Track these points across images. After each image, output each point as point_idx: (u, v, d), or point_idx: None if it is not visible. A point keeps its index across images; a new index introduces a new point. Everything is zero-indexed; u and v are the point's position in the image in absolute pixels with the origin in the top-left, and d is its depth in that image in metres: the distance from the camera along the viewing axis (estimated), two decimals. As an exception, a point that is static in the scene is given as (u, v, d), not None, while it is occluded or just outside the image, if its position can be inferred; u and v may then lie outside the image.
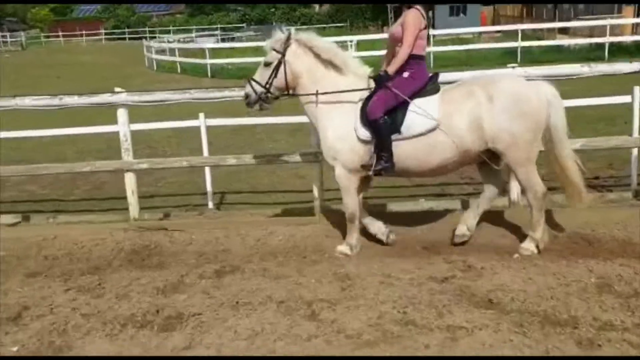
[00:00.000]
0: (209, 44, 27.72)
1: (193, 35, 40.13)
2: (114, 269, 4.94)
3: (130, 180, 5.98)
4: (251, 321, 3.83)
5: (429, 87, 4.71)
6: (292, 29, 4.84)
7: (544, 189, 4.73)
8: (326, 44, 4.84)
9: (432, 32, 31.19)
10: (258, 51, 26.35)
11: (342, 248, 5.02)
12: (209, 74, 23.10)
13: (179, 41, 34.07)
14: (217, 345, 3.57)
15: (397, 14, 5.21)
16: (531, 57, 21.38)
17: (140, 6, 72.96)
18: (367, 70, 4.86)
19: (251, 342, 3.58)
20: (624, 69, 5.52)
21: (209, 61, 23.32)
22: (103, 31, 62.52)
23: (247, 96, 4.91)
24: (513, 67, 5.78)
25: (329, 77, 4.78)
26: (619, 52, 21.09)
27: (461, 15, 36.82)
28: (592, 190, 6.06)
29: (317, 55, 4.76)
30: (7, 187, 8.30)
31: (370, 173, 4.75)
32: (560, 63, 6.25)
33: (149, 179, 8.63)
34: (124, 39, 58.34)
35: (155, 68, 27.98)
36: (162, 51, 29.31)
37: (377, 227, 5.13)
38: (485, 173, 4.98)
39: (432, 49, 21.71)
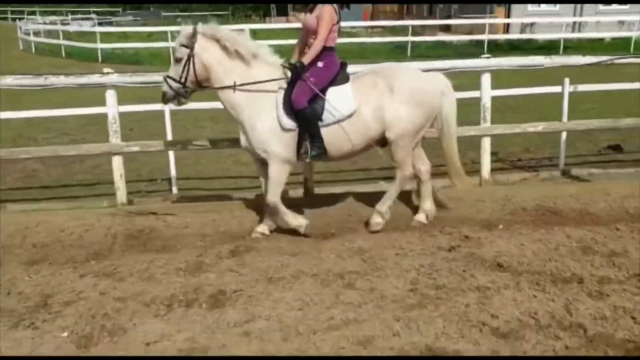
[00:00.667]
0: (88, 27, 26.42)
1: (69, 18, 37.53)
2: (119, 254, 4.84)
3: (118, 163, 5.79)
4: (295, 293, 4.01)
5: (341, 75, 5.02)
6: (199, 23, 4.92)
7: (412, 171, 5.25)
8: (232, 34, 4.95)
9: None
10: (151, 37, 25.77)
11: (263, 228, 5.23)
12: (100, 59, 22.01)
13: (55, 23, 31.90)
14: (276, 317, 3.72)
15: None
16: (419, 52, 22.82)
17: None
18: (278, 59, 5.06)
19: (306, 312, 3.77)
20: (580, 61, 6.31)
21: (100, 45, 22.18)
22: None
23: (164, 94, 5.01)
24: (488, 57, 6.35)
25: (240, 67, 4.90)
26: (496, 49, 23.11)
27: (345, 9, 37.84)
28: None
29: (224, 47, 4.88)
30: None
31: (308, 160, 5.02)
32: (446, 58, 7.09)
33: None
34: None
35: (33, 51, 26.00)
36: (38, 33, 27.36)
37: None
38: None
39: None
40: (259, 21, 45.15)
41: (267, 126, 4.89)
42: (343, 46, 22.92)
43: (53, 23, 31.54)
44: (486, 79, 6.16)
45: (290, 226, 5.14)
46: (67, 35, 26.04)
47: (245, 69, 4.90)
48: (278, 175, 5.01)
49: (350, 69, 5.22)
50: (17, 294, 4.10)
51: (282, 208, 5.11)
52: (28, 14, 46.85)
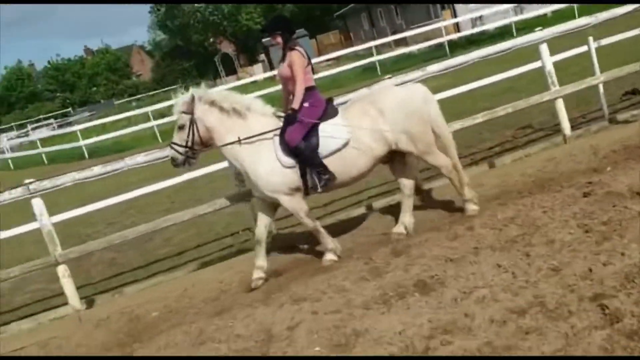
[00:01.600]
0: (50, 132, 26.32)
1: (28, 129, 37.44)
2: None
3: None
4: (490, 263, 4.34)
5: (330, 110, 5.45)
6: (192, 89, 5.39)
7: (449, 161, 5.65)
8: (225, 94, 5.51)
9: (271, 73, 33.41)
10: (120, 123, 25.96)
11: (330, 256, 5.54)
12: (86, 155, 22.09)
13: (19, 136, 31.90)
14: (493, 283, 4.04)
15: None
16: (386, 69, 23.67)
17: None
18: (270, 108, 5.54)
19: (515, 274, 4.10)
20: (619, 12, 6.95)
21: (82, 143, 22.28)
22: None
23: (173, 160, 5.45)
24: (540, 29, 6.95)
25: (238, 123, 5.31)
26: (455, 47, 24.19)
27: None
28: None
29: (221, 108, 5.31)
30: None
31: (320, 190, 5.40)
32: (412, 68, 7.83)
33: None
34: None
35: (12, 168, 25.84)
36: (5, 150, 27.36)
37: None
38: (396, 169, 5.82)
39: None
40: (212, 84, 45.81)
41: (268, 167, 5.30)
42: (318, 81, 23.70)
43: (18, 137, 31.53)
44: (544, 49, 6.71)
45: (326, 248, 5.53)
46: (42, 143, 26.06)
47: (244, 123, 5.31)
48: (294, 206, 5.44)
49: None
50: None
51: (322, 231, 5.54)
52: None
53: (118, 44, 70.90)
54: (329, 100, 5.58)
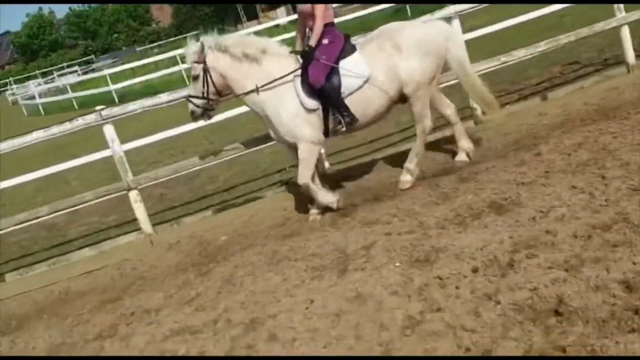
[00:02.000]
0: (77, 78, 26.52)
1: (54, 75, 37.60)
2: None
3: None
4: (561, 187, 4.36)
5: (347, 47, 5.25)
6: (202, 37, 5.18)
7: (431, 125, 5.47)
8: (236, 39, 5.27)
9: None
10: (147, 67, 25.93)
11: (315, 211, 5.39)
12: (116, 99, 22.16)
13: (46, 82, 32.11)
14: (569, 201, 4.07)
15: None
16: (420, 9, 23.02)
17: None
18: (287, 49, 5.34)
19: (589, 193, 4.13)
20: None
21: (112, 87, 22.34)
22: None
23: (192, 112, 5.31)
24: None
25: (254, 68, 5.12)
26: None
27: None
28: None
29: (233, 54, 5.10)
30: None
31: (344, 129, 5.21)
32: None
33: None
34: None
35: (42, 113, 26.12)
36: (35, 95, 27.62)
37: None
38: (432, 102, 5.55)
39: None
40: (233, 30, 45.24)
41: (292, 111, 5.11)
42: (346, 24, 23.31)
43: (46, 82, 31.72)
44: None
45: (322, 204, 5.32)
46: (71, 88, 26.19)
47: (259, 68, 5.12)
48: (309, 157, 5.22)
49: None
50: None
51: (314, 188, 5.30)
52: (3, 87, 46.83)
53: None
54: (347, 37, 5.38)
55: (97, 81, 25.86)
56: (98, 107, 5.63)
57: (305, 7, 5.18)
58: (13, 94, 39.02)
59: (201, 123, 5.62)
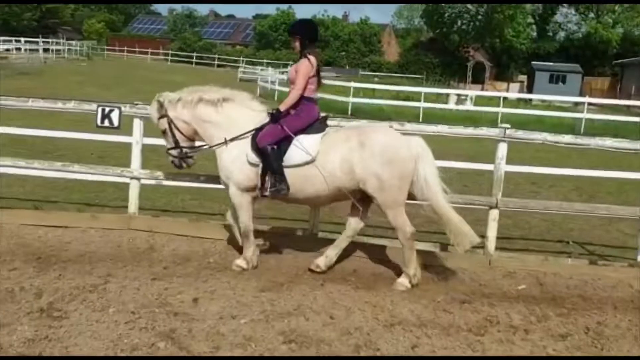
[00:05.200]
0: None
1: (287, 69, 40.63)
2: None
3: None
4: None
5: (316, 125, 5.37)
6: (159, 94, 5.61)
7: (412, 229, 5.34)
8: (192, 89, 5.60)
9: (527, 96, 32.43)
10: (388, 93, 27.09)
11: (239, 262, 5.60)
12: (349, 111, 23.31)
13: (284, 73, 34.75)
14: None
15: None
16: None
17: (204, 32, 74.42)
18: (259, 104, 5.64)
19: None
20: None
21: (351, 99, 23.60)
22: (170, 52, 63.28)
23: (172, 162, 5.80)
24: None
25: (214, 113, 5.49)
26: None
27: (560, 83, 37.48)
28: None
29: (189, 100, 5.52)
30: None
31: (267, 194, 5.36)
32: None
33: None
34: (190, 62, 59.10)
35: (275, 98, 28.26)
36: (270, 80, 30.02)
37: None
38: (354, 208, 5.55)
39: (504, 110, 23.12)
40: (455, 85, 45.81)
41: (232, 156, 5.42)
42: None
43: (282, 73, 34.35)
44: None
45: (243, 255, 5.62)
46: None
47: (219, 113, 5.47)
48: (239, 202, 5.52)
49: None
50: None
51: (251, 238, 5.61)
52: (231, 62, 51.54)
53: (376, 19, 73.63)
54: (324, 118, 5.55)
55: (335, 88, 27.50)
56: (503, 125, 5.93)
57: (291, 74, 5.46)
58: (244, 72, 42.93)
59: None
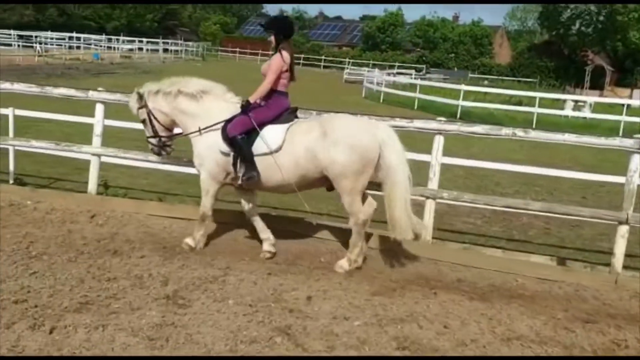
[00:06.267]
0: (413, 80, 27.86)
1: (394, 70, 40.54)
2: None
3: None
4: None
5: (285, 116, 5.65)
6: (137, 88, 6.00)
7: (365, 217, 5.57)
8: (168, 82, 5.91)
9: None
10: (500, 97, 26.18)
11: (188, 240, 5.96)
12: (458, 114, 22.77)
13: (388, 74, 34.65)
14: None
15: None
16: None
17: (312, 34, 75.66)
18: (233, 96, 5.86)
19: None
20: None
21: (461, 102, 23.04)
22: (279, 53, 64.75)
23: (152, 150, 6.23)
24: None
25: (193, 105, 5.80)
26: None
27: None
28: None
29: (166, 93, 5.85)
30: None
31: (239, 182, 5.68)
32: None
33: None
34: (298, 64, 60.30)
35: (380, 100, 28.15)
36: (376, 82, 29.93)
37: (265, 234, 6.02)
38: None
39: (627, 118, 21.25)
40: (571, 91, 43.36)
41: (207, 144, 5.72)
42: None
43: (388, 75, 34.25)
44: None
45: (192, 235, 5.97)
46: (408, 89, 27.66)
47: (197, 105, 5.78)
48: (207, 188, 5.88)
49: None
50: None
51: (205, 223, 5.99)
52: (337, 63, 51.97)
53: (488, 21, 71.58)
54: (294, 109, 5.80)
55: (443, 91, 27.04)
56: (638, 136, 5.56)
57: (264, 68, 5.71)
58: (349, 74, 43.21)
59: None
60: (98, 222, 6.57)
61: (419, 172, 6.02)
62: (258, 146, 5.56)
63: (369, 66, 49.22)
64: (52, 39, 42.77)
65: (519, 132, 5.74)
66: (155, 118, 5.96)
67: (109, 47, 46.20)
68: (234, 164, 5.65)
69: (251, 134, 5.58)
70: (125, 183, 8.39)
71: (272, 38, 5.70)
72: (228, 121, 5.64)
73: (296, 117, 5.78)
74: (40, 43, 37.59)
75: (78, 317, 4.27)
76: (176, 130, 6.15)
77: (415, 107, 25.33)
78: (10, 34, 41.87)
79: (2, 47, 37.71)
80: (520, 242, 7.33)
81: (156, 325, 4.27)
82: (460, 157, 7.69)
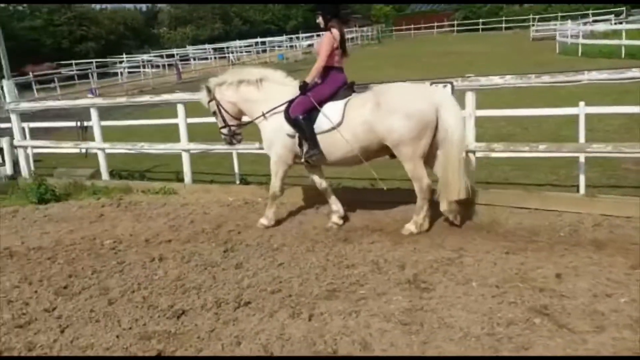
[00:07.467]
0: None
1: (588, 19, 36.92)
2: None
3: None
4: None
5: (342, 92, 5.86)
6: (204, 82, 6.53)
7: (429, 182, 5.67)
8: (232, 72, 6.43)
9: None
10: None
11: (263, 220, 6.42)
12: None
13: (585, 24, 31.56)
14: None
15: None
16: None
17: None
18: (292, 80, 6.15)
19: None
20: None
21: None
22: (455, 22, 62.61)
23: (224, 139, 6.56)
24: None
25: (255, 91, 6.19)
26: None
27: None
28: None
29: (230, 84, 6.26)
30: None
31: (302, 160, 6.06)
32: None
33: None
34: (477, 30, 57.67)
35: (579, 54, 25.71)
36: (570, 35, 27.36)
37: (336, 206, 6.36)
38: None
39: None
40: None
41: (273, 128, 6.05)
42: None
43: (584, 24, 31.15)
44: None
45: (265, 214, 6.43)
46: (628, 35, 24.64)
47: (258, 92, 6.12)
48: (276, 170, 6.23)
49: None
50: None
51: (276, 204, 6.41)
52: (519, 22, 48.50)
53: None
54: (351, 84, 5.91)
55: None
56: None
57: (316, 44, 5.03)
58: (536, 31, 40.29)
59: None
60: (323, 212, 6.81)
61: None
62: (320, 123, 5.80)
63: (557, 19, 45.29)
64: (240, 47, 46.21)
65: None
66: (223, 109, 6.33)
67: (291, 46, 48.48)
68: (300, 144, 5.95)
69: (312, 113, 5.82)
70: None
71: (320, 19, 5.90)
72: (290, 103, 5.90)
73: (353, 91, 5.92)
74: (231, 52, 40.78)
75: (330, 304, 4.44)
76: (244, 119, 6.50)
77: (623, 55, 22.73)
78: (205, 49, 46.10)
79: (201, 62, 41.81)
80: None
81: (406, 310, 4.27)
82: None
